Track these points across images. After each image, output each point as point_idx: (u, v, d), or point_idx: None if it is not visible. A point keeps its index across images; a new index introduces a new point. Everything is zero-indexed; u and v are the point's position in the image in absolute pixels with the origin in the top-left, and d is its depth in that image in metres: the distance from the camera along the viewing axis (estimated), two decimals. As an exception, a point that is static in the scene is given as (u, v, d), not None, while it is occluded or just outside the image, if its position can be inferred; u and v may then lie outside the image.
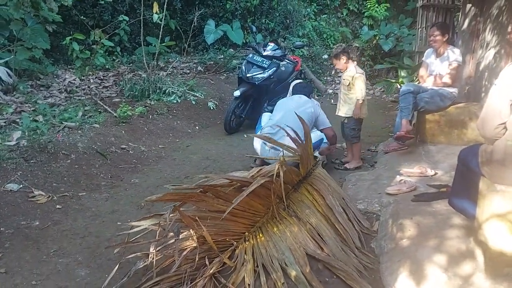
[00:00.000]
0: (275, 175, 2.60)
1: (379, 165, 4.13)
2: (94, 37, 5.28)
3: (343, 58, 4.10)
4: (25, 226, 2.84)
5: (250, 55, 5.33)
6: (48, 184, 3.39)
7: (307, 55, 8.73)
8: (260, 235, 2.58)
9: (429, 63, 4.36)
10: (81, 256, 2.54)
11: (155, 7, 5.30)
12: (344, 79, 4.16)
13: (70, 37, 4.92)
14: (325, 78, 8.96)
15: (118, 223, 2.89)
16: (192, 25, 6.78)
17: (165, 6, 5.89)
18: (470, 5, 5.55)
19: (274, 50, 5.34)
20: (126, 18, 6.06)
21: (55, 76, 6.29)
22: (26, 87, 5.44)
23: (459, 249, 2.27)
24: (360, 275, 2.31)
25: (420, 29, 6.82)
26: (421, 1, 6.74)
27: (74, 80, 6.31)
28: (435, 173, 3.46)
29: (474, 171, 2.22)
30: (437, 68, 4.24)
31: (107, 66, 7.07)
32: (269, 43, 5.44)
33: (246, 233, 2.59)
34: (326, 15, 9.91)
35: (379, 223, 2.90)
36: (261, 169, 2.76)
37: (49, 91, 5.78)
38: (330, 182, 3.19)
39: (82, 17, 6.48)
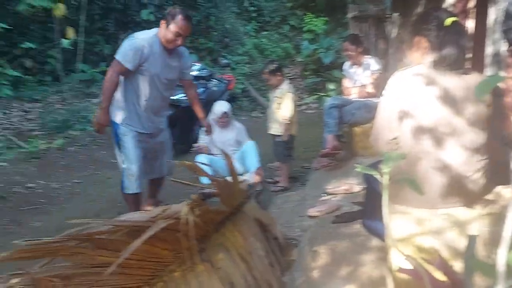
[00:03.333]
0: (186, 218, 2.27)
1: (309, 183, 3.93)
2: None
3: (278, 75, 4.07)
4: None
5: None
6: None
7: (249, 73, 8.60)
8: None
9: (351, 73, 4.27)
10: None
11: (70, 33, 4.97)
12: (275, 97, 4.12)
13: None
14: (269, 95, 8.84)
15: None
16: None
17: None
18: (397, 14, 5.58)
19: (201, 70, 5.11)
20: (31, 45, 5.71)
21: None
22: None
23: (370, 276, 2.05)
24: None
25: (353, 40, 6.83)
26: (352, 13, 6.76)
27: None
28: (362, 189, 3.28)
29: (377, 191, 2.02)
30: (360, 77, 4.15)
31: (35, 97, 6.65)
32: (195, 63, 5.20)
33: (147, 288, 2.23)
34: (267, 32, 9.86)
35: (297, 251, 2.66)
36: (166, 209, 2.44)
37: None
38: (261, 217, 2.86)
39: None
